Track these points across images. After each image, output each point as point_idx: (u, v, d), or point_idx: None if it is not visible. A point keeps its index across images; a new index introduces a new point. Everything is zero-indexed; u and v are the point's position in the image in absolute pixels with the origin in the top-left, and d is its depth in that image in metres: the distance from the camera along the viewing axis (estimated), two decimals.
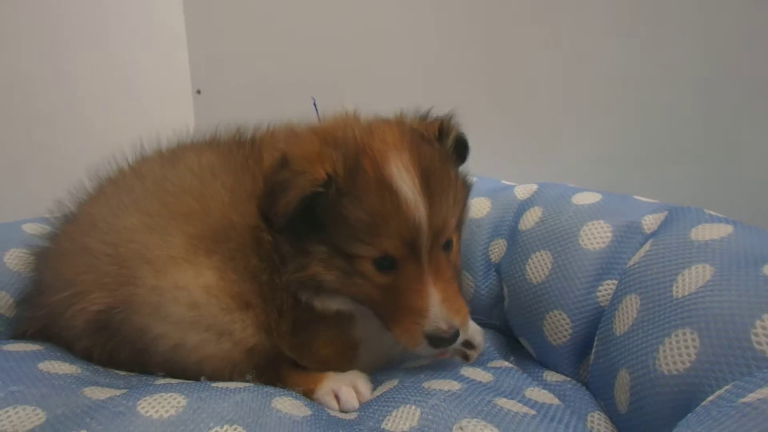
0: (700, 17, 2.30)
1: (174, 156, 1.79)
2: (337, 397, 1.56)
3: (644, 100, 2.46)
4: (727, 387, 1.12)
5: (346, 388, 1.57)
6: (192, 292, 1.52)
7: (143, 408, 1.20)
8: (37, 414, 1.20)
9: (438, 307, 1.50)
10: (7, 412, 1.19)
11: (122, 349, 1.54)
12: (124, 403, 1.21)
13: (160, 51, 3.71)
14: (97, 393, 1.30)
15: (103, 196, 1.76)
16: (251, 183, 1.63)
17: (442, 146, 1.67)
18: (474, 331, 1.84)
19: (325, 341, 1.68)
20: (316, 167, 1.50)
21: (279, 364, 1.64)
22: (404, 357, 1.82)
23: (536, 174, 2.35)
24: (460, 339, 1.55)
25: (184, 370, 1.53)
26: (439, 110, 1.78)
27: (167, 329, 1.51)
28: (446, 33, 2.91)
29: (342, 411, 1.53)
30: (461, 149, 1.76)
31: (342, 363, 1.69)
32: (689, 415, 1.10)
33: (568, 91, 2.64)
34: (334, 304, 1.63)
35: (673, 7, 2.35)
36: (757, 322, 1.18)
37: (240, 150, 1.75)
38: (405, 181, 1.48)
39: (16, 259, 1.95)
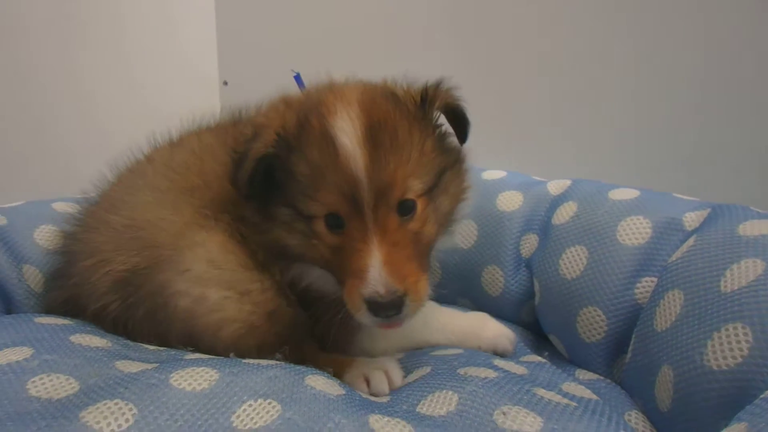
0: (737, 16, 2.27)
1: (180, 141, 1.92)
2: (367, 382, 1.55)
3: (673, 100, 2.43)
4: None
5: (377, 373, 1.56)
6: (210, 248, 1.58)
7: (176, 381, 1.19)
8: (71, 383, 1.20)
9: (377, 269, 1.41)
10: (41, 379, 1.20)
11: (141, 305, 1.57)
12: (157, 376, 1.21)
13: (189, 42, 3.72)
14: (129, 366, 1.30)
15: (119, 181, 1.88)
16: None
17: (419, 110, 1.60)
18: (499, 336, 1.83)
19: (324, 317, 1.65)
20: (268, 129, 1.52)
21: (305, 345, 1.65)
22: (425, 346, 1.83)
23: (560, 173, 2.32)
24: (408, 312, 1.44)
25: (203, 333, 1.54)
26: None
27: (187, 285, 1.54)
28: (481, 25, 2.89)
29: (372, 395, 1.51)
30: (456, 119, 1.68)
31: (343, 343, 1.72)
32: (748, 407, 1.06)
33: (592, 91, 2.61)
34: (303, 279, 1.66)
35: (705, 5, 2.32)
36: None
37: (235, 128, 1.80)
38: (346, 132, 1.45)
39: (45, 235, 2.01)
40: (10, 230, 1.97)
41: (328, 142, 1.45)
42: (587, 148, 2.64)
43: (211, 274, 1.55)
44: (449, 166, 1.66)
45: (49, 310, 1.79)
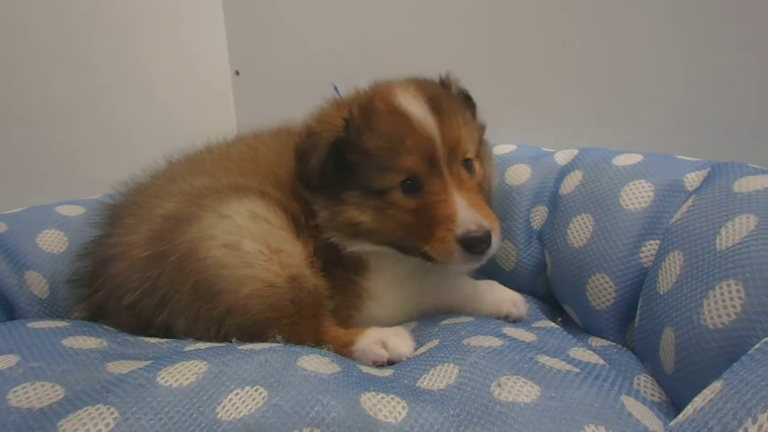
0: None
1: (236, 138, 2.16)
2: (384, 347, 1.59)
3: (679, 63, 2.39)
4: None
5: (394, 337, 1.61)
6: (253, 202, 1.71)
7: (163, 378, 1.19)
8: (56, 390, 1.19)
9: (465, 211, 1.64)
10: (24, 388, 1.19)
11: (174, 253, 1.62)
12: (145, 375, 1.20)
13: (199, 32, 3.73)
14: (120, 367, 1.30)
15: (178, 163, 2.06)
16: (292, 147, 1.85)
17: (455, 95, 1.91)
18: (503, 300, 1.84)
19: (337, 284, 1.78)
20: (332, 120, 1.76)
21: (321, 317, 1.70)
22: (426, 314, 1.88)
23: (570, 142, 2.32)
24: (494, 245, 1.65)
25: (225, 287, 1.59)
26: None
27: (224, 232, 1.63)
28: (478, 8, 2.86)
29: (390, 361, 1.56)
30: (467, 98, 1.98)
31: (348, 309, 1.83)
32: (734, 364, 1.04)
33: (600, 57, 2.58)
34: (367, 248, 1.80)
35: None
36: None
37: (285, 130, 2.09)
38: (413, 104, 1.72)
39: (49, 240, 2.03)
40: (11, 237, 1.98)
41: (399, 115, 1.71)
42: (604, 115, 2.62)
43: (249, 224, 1.66)
44: (481, 140, 1.94)
45: (71, 280, 1.93)
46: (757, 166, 1.57)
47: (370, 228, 1.75)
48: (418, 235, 1.70)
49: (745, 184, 1.47)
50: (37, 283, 1.93)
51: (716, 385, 0.96)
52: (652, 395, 1.46)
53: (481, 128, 1.98)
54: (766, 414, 0.81)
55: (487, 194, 1.89)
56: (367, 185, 1.74)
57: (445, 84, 1.94)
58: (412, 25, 3.07)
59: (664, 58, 2.36)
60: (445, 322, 1.75)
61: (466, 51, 2.91)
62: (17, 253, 1.95)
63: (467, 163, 1.78)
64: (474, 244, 1.61)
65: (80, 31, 3.15)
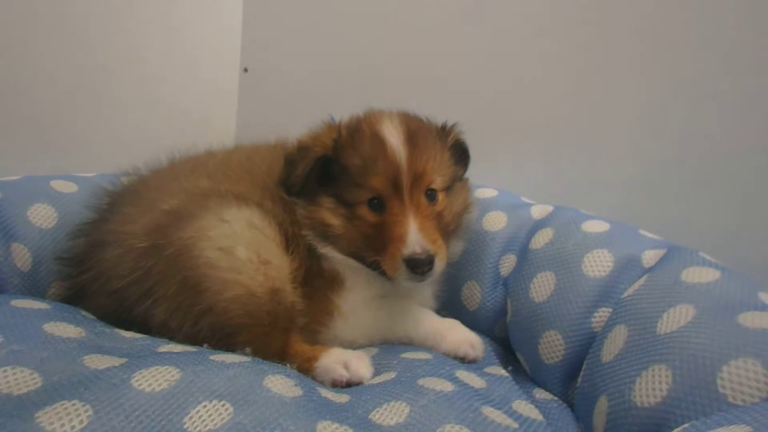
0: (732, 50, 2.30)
1: (236, 147, 2.39)
2: (346, 367, 1.69)
3: (668, 134, 2.46)
4: (684, 426, 1.17)
5: (356, 360, 1.72)
6: (252, 215, 1.85)
7: (137, 381, 1.23)
8: (34, 378, 1.23)
9: (414, 234, 1.83)
10: (5, 371, 1.23)
11: (169, 247, 1.72)
12: (120, 375, 1.24)
13: (214, 28, 3.76)
14: (97, 362, 1.33)
15: (180, 162, 2.21)
16: (281, 160, 2.04)
17: (439, 132, 2.11)
18: (463, 341, 1.95)
19: (313, 297, 1.93)
20: (324, 138, 1.99)
21: (291, 332, 1.82)
22: (387, 342, 2.00)
23: (552, 197, 2.42)
24: (436, 268, 1.85)
25: (210, 287, 1.69)
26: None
27: (220, 235, 1.75)
28: (481, 56, 2.93)
29: (349, 383, 1.66)
30: (462, 154, 2.20)
31: (317, 325, 1.96)
32: None
33: (592, 116, 2.64)
34: (335, 255, 1.99)
35: (701, 41, 2.36)
36: (724, 367, 1.23)
37: (281, 145, 2.22)
38: (391, 133, 1.94)
39: (40, 214, 2.07)
40: (5, 205, 2.01)
41: (378, 140, 1.92)
42: (579, 175, 2.69)
43: (245, 232, 1.79)
44: (458, 179, 2.17)
45: (60, 257, 2.02)
46: (707, 257, 1.67)
47: (338, 233, 1.96)
48: (374, 248, 1.91)
49: (691, 275, 1.57)
50: (21, 256, 1.96)
51: None
52: None
53: (461, 172, 2.21)
54: None
55: (446, 224, 2.05)
56: (341, 196, 1.96)
57: (444, 129, 2.14)
58: (421, 37, 3.12)
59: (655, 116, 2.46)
60: (404, 355, 1.84)
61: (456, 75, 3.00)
62: (7, 223, 1.98)
63: (431, 193, 1.98)
64: (416, 265, 1.80)
65: (96, 14, 3.15)
